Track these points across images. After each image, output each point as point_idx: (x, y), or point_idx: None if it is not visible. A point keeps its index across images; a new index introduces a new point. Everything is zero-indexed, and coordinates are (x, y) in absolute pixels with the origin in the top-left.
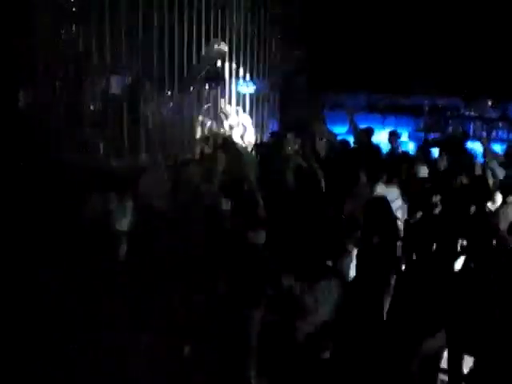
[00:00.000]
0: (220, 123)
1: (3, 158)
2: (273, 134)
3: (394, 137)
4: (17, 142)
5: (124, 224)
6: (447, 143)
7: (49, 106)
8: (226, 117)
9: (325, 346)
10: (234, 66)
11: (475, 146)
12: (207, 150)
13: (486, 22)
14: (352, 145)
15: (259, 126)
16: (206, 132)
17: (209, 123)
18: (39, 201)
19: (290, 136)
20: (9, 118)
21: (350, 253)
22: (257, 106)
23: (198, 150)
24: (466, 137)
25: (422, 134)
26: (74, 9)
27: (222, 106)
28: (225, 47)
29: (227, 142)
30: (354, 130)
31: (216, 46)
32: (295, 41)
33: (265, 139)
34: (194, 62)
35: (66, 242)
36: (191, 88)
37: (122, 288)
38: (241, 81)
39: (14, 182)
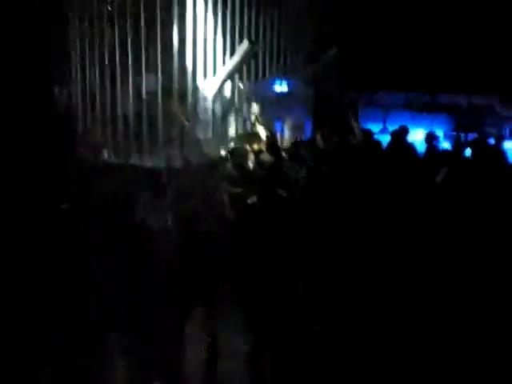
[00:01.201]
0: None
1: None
2: None
3: (431, 138)
4: (51, 140)
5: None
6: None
7: (84, 104)
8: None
9: None
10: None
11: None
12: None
13: None
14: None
15: (294, 125)
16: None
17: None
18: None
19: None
20: (44, 116)
21: None
22: (291, 104)
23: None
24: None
25: (457, 134)
26: (109, 8)
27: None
28: (257, 46)
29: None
30: None
31: (249, 45)
32: (329, 39)
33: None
34: (227, 61)
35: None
36: (224, 86)
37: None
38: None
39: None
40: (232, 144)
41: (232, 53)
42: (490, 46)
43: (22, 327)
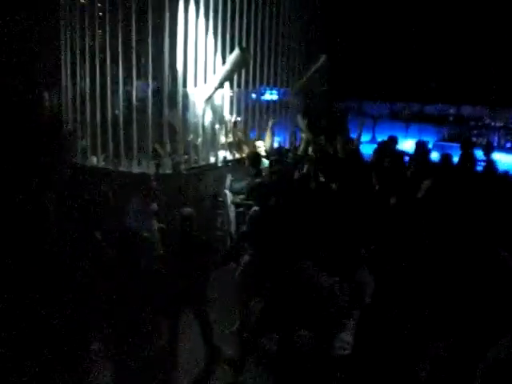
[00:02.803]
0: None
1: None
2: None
3: (421, 147)
4: (38, 143)
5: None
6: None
7: (74, 110)
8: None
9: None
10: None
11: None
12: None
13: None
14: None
15: (283, 133)
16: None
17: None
18: (63, 204)
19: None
20: (35, 121)
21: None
22: (280, 113)
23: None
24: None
25: (445, 144)
26: (101, 13)
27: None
28: (249, 55)
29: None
30: None
31: (240, 54)
32: (319, 49)
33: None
34: (218, 69)
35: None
36: (215, 94)
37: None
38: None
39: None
40: (221, 151)
41: (223, 61)
42: (478, 56)
43: None
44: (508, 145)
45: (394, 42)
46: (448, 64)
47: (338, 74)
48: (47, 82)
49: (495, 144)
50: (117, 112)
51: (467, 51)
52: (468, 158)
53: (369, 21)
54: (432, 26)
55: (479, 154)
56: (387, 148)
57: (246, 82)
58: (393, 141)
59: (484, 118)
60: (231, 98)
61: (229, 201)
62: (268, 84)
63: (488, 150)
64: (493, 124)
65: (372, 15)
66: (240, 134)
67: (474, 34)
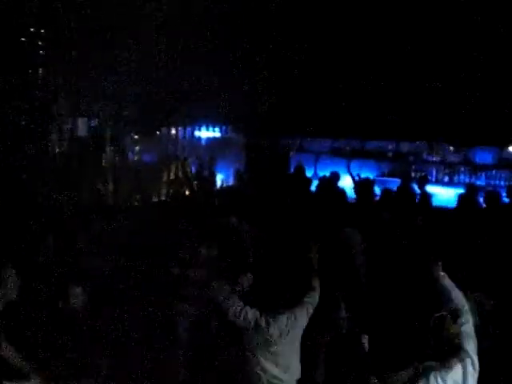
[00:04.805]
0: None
1: None
2: None
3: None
4: None
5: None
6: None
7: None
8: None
9: None
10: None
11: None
12: None
13: (448, 72)
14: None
15: (224, 170)
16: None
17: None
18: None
19: None
20: None
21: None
22: (221, 150)
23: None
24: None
25: (385, 179)
26: (41, 51)
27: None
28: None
29: None
30: None
31: None
32: (261, 85)
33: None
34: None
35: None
36: (157, 132)
37: None
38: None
39: None
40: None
41: None
42: (418, 92)
43: None
44: (445, 179)
45: (333, 80)
46: (387, 101)
47: (279, 111)
48: None
49: (433, 178)
50: (57, 151)
51: (406, 88)
52: (407, 191)
53: (308, 58)
54: (370, 63)
55: (414, 187)
56: (331, 185)
57: (187, 120)
58: (335, 177)
59: (422, 154)
60: (173, 136)
61: None
62: (208, 121)
63: (422, 183)
64: (431, 159)
65: (311, 52)
66: (188, 170)
67: (413, 71)
